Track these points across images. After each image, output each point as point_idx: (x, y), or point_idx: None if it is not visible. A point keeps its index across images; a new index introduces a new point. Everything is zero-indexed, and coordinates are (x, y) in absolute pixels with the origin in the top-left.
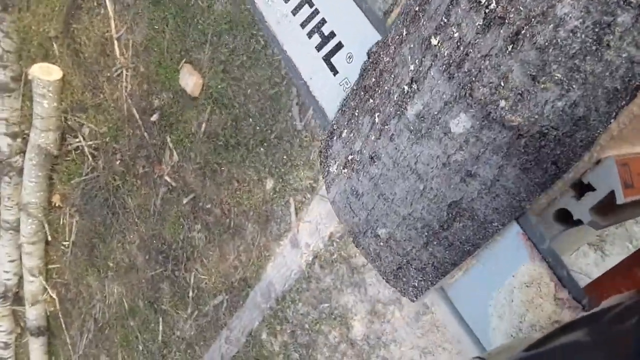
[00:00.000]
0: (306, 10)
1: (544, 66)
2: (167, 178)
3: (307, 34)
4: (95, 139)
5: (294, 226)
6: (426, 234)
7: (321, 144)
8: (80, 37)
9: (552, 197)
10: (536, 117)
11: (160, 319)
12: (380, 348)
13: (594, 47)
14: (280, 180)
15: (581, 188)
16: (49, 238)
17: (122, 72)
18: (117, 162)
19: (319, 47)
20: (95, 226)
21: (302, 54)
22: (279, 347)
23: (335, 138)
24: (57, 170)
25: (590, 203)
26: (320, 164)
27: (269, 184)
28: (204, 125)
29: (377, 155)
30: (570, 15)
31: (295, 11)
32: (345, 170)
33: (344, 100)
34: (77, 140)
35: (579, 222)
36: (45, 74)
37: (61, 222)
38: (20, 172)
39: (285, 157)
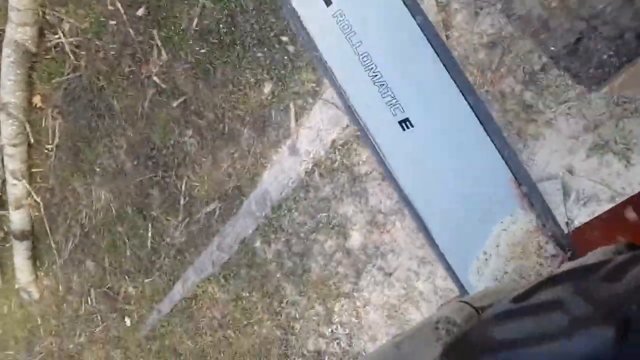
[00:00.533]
0: None
1: None
2: (155, 79)
3: None
4: (76, 36)
5: (293, 132)
6: None
7: None
8: None
9: None
10: None
11: (150, 225)
12: (377, 258)
13: None
14: (280, 83)
15: None
16: (32, 140)
17: None
18: (101, 61)
19: None
20: (80, 129)
21: None
22: (272, 255)
23: None
24: (36, 69)
25: None
26: None
27: (267, 87)
28: (195, 20)
29: None
30: None
31: None
32: None
33: None
34: (57, 36)
35: None
36: None
37: (43, 125)
38: None
39: (285, 57)
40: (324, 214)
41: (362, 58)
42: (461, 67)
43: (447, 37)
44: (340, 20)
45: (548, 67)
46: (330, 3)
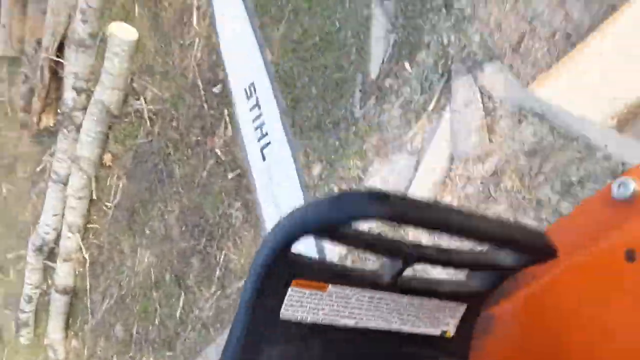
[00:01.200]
0: None
1: None
2: (217, 151)
3: None
4: (156, 104)
5: None
6: None
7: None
8: (163, 1)
9: None
10: None
11: (182, 295)
12: None
13: None
14: (328, 166)
15: None
16: (94, 197)
17: (195, 40)
18: (173, 130)
19: None
20: (140, 191)
21: None
22: None
23: None
24: (114, 130)
25: None
26: None
27: (316, 169)
28: None
29: None
30: None
31: None
32: None
33: None
34: (139, 102)
35: None
36: (123, 33)
37: (108, 183)
38: (79, 127)
39: (337, 143)
40: None
41: None
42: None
43: (490, 140)
44: None
45: (585, 180)
46: None
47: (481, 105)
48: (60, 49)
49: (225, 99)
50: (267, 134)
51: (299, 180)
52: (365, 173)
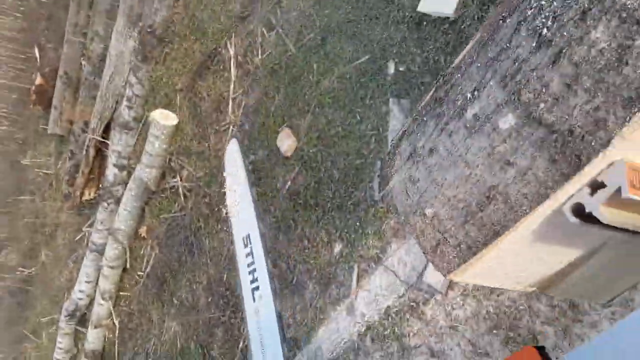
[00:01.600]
0: None
1: (577, 77)
2: None
3: None
4: (190, 182)
5: (353, 293)
6: (465, 213)
7: (390, 147)
8: (202, 92)
9: (570, 194)
10: (567, 117)
11: None
12: None
13: (616, 64)
14: (349, 245)
15: (595, 186)
16: (127, 265)
17: (229, 127)
18: (204, 205)
19: None
20: (171, 262)
21: None
22: None
23: (404, 139)
24: (150, 204)
25: (602, 198)
26: (387, 160)
27: (337, 247)
28: (288, 183)
29: (435, 148)
30: (600, 39)
31: None
32: (408, 162)
33: (416, 110)
34: (175, 180)
35: (590, 217)
36: (164, 118)
37: (141, 253)
38: (118, 201)
39: (357, 224)
40: None
41: None
42: None
43: None
44: None
45: None
46: None
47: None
48: (105, 130)
49: (253, 179)
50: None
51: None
52: (384, 253)
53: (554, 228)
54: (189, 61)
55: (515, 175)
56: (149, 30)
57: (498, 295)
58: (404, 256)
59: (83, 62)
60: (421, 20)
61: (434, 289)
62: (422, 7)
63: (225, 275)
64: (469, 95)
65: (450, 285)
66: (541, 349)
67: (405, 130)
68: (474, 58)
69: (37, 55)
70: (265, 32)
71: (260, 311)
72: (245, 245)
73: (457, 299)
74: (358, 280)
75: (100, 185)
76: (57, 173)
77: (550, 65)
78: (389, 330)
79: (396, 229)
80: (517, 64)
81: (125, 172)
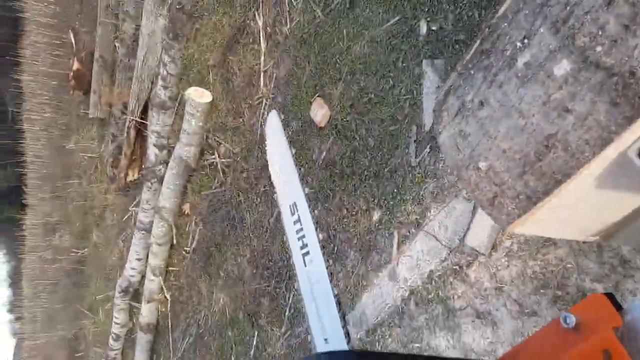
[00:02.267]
0: None
1: (634, 17)
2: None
3: None
4: (228, 158)
5: (394, 259)
6: (522, 164)
7: (436, 103)
8: (234, 67)
9: (635, 136)
10: (627, 58)
11: (256, 334)
12: None
13: None
14: (388, 212)
15: None
16: (174, 242)
17: (262, 101)
18: (243, 180)
19: None
20: (215, 236)
21: None
22: None
23: (450, 94)
24: (191, 181)
25: None
26: (434, 117)
27: (376, 214)
28: (324, 153)
29: (486, 100)
30: None
31: None
32: (456, 117)
33: (461, 64)
34: (213, 157)
35: None
36: (198, 96)
37: (186, 229)
38: (161, 180)
39: (395, 190)
40: (416, 344)
41: None
42: None
43: None
44: None
45: None
46: None
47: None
48: (143, 112)
49: (291, 153)
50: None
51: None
52: (424, 218)
53: (618, 173)
54: (219, 36)
55: (575, 122)
56: (178, 7)
57: (544, 255)
58: (444, 220)
59: (117, 45)
60: None
61: (477, 252)
62: None
63: (268, 247)
64: (518, 44)
65: (494, 246)
66: (610, 295)
67: (451, 86)
68: (521, 6)
69: (73, 40)
70: (292, 0)
71: (312, 275)
72: (293, 213)
73: (501, 260)
74: (399, 246)
75: (143, 166)
76: (101, 156)
77: (605, 7)
78: (432, 294)
79: (435, 194)
80: (568, 8)
81: (165, 152)
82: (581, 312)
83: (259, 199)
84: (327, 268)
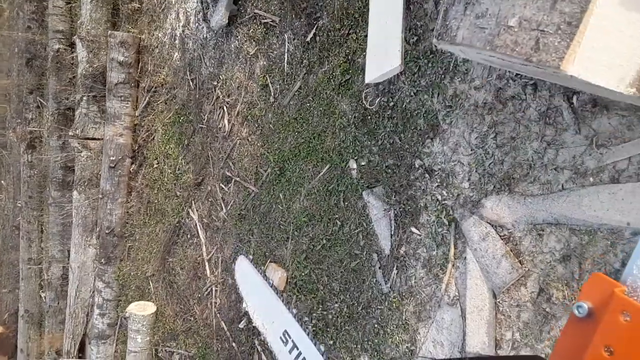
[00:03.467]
0: None
1: None
2: None
3: None
4: None
5: None
6: None
7: (437, 27)
8: (175, 268)
9: None
10: None
11: None
12: None
13: None
14: (376, 353)
15: None
16: None
17: (211, 289)
18: None
19: None
20: None
21: None
22: None
23: (450, 8)
24: None
25: None
26: (441, 32)
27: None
28: (293, 313)
29: None
30: None
31: None
32: (467, 11)
33: None
34: None
35: None
36: (141, 310)
37: None
38: None
39: (376, 326)
40: None
41: None
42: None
43: (521, 262)
44: None
45: (627, 260)
46: None
47: (497, 236)
48: (80, 349)
49: (252, 330)
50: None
51: None
52: (415, 343)
53: None
54: (155, 245)
55: None
56: (107, 231)
57: (549, 332)
58: (437, 337)
59: (42, 295)
60: (364, 116)
61: (483, 356)
62: (369, 78)
63: None
64: None
65: (497, 343)
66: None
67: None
68: None
69: None
70: (224, 186)
71: None
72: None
73: (509, 354)
74: None
75: None
76: None
77: None
78: None
79: (418, 313)
80: None
81: None
82: (588, 296)
83: None
84: None
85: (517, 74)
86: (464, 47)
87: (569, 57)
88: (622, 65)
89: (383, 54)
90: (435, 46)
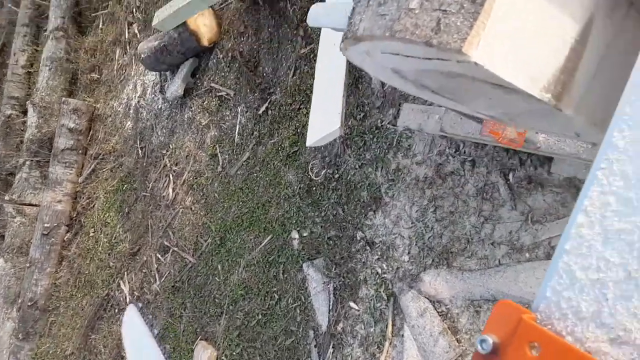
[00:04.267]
0: None
1: None
2: None
3: None
4: None
5: None
6: None
7: (347, 29)
8: (97, 346)
9: None
10: None
11: None
12: None
13: None
14: None
15: None
16: None
17: None
18: None
19: None
20: None
21: None
22: None
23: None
24: None
25: None
26: (347, 31)
27: None
28: None
29: None
30: None
31: None
32: (372, 1)
33: None
34: None
35: None
36: None
37: None
38: None
39: None
40: None
41: None
42: None
43: (458, 340)
44: None
45: None
46: None
47: (435, 311)
48: None
49: None
50: None
51: None
52: None
53: None
54: (79, 320)
55: None
56: (29, 303)
57: None
58: None
59: None
60: (310, 187)
61: None
62: (310, 142)
63: None
64: None
65: None
66: None
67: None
68: None
69: None
70: (160, 256)
71: None
72: None
73: None
74: None
75: None
76: None
77: None
78: None
79: None
80: None
81: None
82: (494, 328)
83: None
84: None
85: (456, 150)
86: (367, 44)
87: (472, 39)
88: (535, 63)
89: (324, 117)
90: (342, 52)
